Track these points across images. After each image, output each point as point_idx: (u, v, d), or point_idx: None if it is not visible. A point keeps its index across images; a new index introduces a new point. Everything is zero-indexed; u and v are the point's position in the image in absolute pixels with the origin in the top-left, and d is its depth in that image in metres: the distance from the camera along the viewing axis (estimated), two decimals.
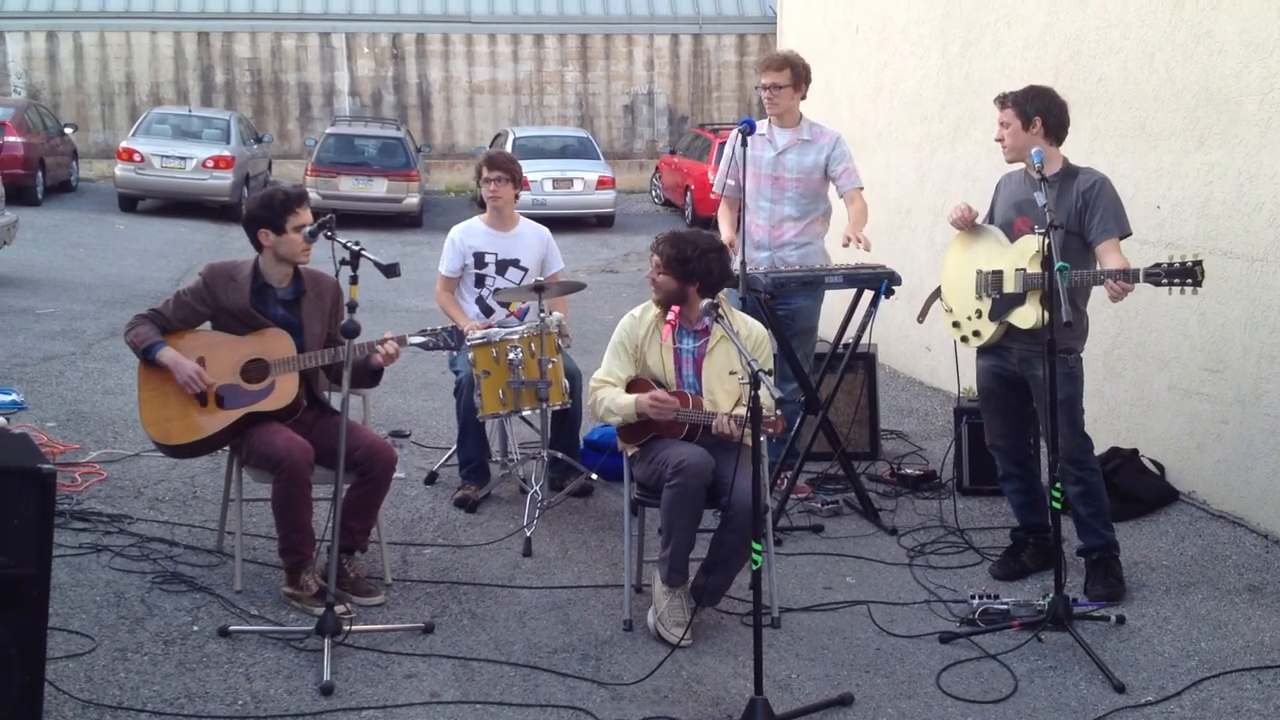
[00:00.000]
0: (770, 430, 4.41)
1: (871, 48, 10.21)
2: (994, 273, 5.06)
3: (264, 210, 4.82)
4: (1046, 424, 4.96)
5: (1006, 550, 5.39)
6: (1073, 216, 4.91)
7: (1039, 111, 5.01)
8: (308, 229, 4.57)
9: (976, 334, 5.20)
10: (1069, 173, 5.02)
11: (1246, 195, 5.75)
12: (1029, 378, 5.07)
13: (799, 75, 6.19)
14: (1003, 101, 5.12)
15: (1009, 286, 4.99)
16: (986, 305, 5.12)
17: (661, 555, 4.59)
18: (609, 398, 4.76)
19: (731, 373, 4.60)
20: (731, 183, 6.22)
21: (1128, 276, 4.67)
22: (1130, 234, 4.95)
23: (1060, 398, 4.94)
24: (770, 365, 4.82)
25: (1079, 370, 5.05)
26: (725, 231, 6.21)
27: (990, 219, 5.29)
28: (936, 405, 8.43)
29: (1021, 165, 5.14)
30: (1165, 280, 4.61)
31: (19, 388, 7.48)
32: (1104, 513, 5.10)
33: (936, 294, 5.48)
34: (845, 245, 6.02)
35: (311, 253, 4.87)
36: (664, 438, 4.68)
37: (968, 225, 5.21)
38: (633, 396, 4.70)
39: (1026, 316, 4.94)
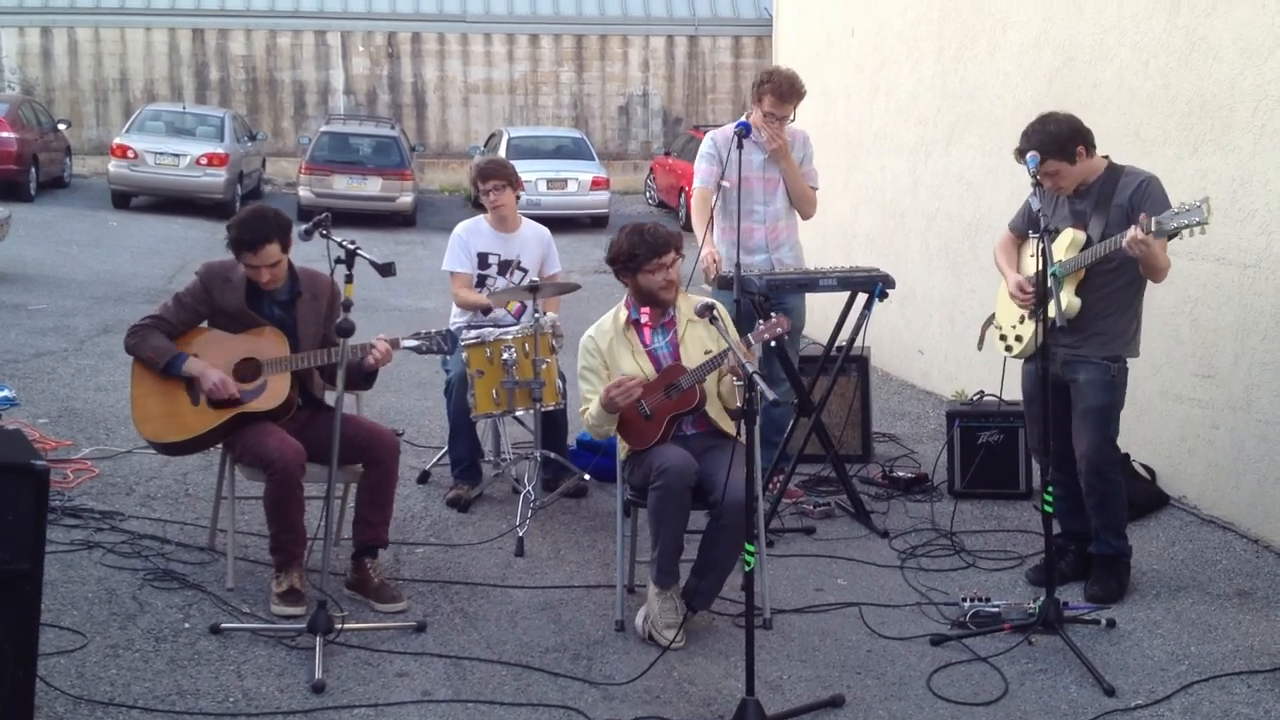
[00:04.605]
0: (780, 329, 4.46)
1: (868, 51, 10.23)
2: (1037, 274, 5.01)
3: (227, 234, 4.76)
4: (1078, 428, 4.94)
5: (1045, 557, 5.34)
6: (1117, 218, 4.76)
7: (1077, 140, 4.80)
8: (302, 229, 4.55)
9: (1019, 339, 5.14)
10: (1112, 172, 4.88)
11: (1240, 202, 5.77)
12: (1069, 382, 4.98)
13: (800, 102, 6.11)
14: (1038, 158, 4.73)
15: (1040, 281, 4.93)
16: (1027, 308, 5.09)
17: (651, 557, 4.60)
18: (589, 413, 4.79)
19: (707, 351, 4.71)
20: (726, 184, 6.18)
21: (1142, 227, 4.49)
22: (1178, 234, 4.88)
23: (1094, 404, 4.91)
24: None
25: (1121, 379, 4.95)
26: (702, 232, 6.10)
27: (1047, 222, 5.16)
28: (929, 408, 8.45)
29: None
30: (1173, 227, 4.46)
31: (11, 384, 7.46)
32: (1118, 524, 5.05)
33: (990, 320, 5.40)
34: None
35: (280, 275, 4.83)
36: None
37: (1029, 296, 5.03)
38: (596, 398, 4.72)
39: (1051, 306, 4.85)
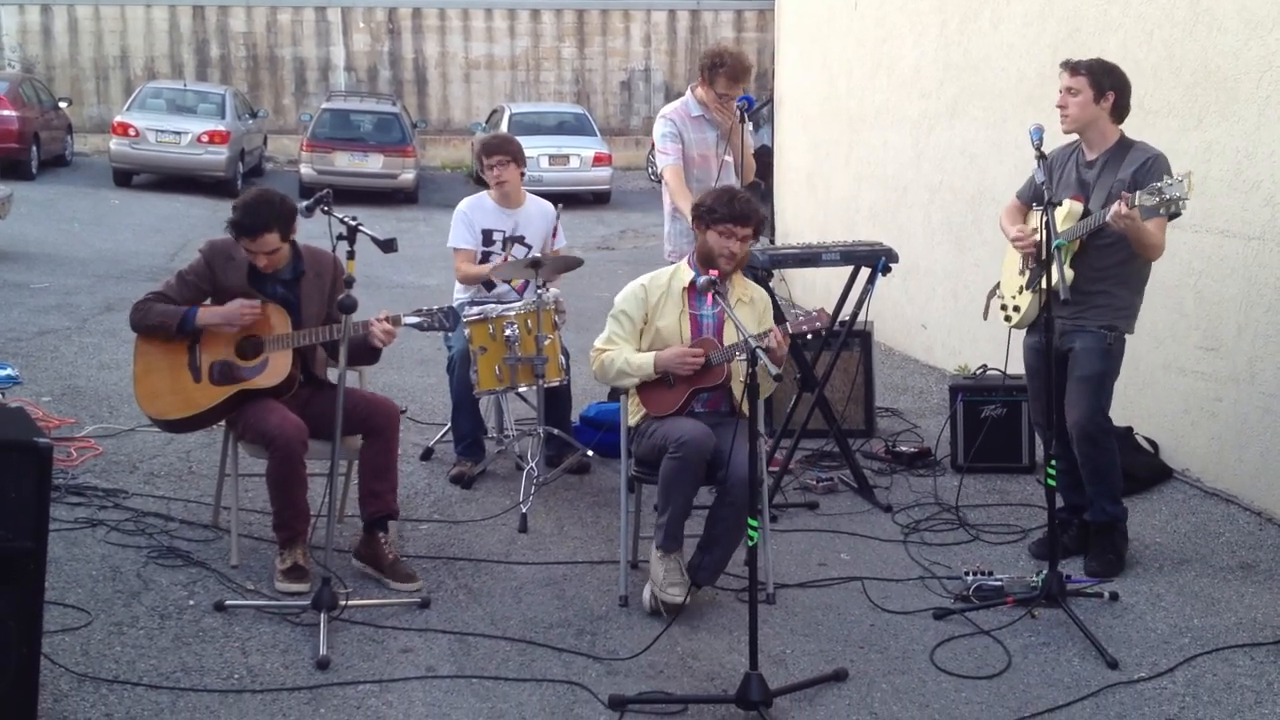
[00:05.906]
0: (820, 323, 4.49)
1: (870, 24, 10.17)
2: (1037, 245, 4.99)
3: (230, 217, 4.72)
4: (1070, 396, 4.93)
5: (1049, 530, 5.35)
6: (1119, 192, 4.70)
7: (1114, 87, 4.82)
8: (304, 205, 4.54)
9: (1017, 309, 5.13)
10: (1123, 147, 4.87)
11: (1244, 173, 5.75)
12: (1067, 351, 4.97)
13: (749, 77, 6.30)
14: (1075, 68, 4.86)
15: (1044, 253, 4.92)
16: (1026, 278, 5.07)
17: (658, 522, 4.59)
18: (620, 357, 4.69)
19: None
20: (729, 159, 6.19)
21: (1125, 201, 4.51)
22: (1179, 214, 4.81)
23: (1088, 373, 4.90)
24: None
25: (1117, 349, 4.95)
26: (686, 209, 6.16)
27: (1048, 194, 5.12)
28: (932, 383, 8.44)
29: (1074, 137, 4.99)
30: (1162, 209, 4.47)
31: (14, 362, 7.46)
32: (1113, 490, 5.05)
33: (994, 290, 5.37)
34: None
35: (279, 261, 4.79)
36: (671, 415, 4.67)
37: (1029, 241, 5.01)
38: (650, 354, 4.66)
39: (1054, 277, 4.80)
